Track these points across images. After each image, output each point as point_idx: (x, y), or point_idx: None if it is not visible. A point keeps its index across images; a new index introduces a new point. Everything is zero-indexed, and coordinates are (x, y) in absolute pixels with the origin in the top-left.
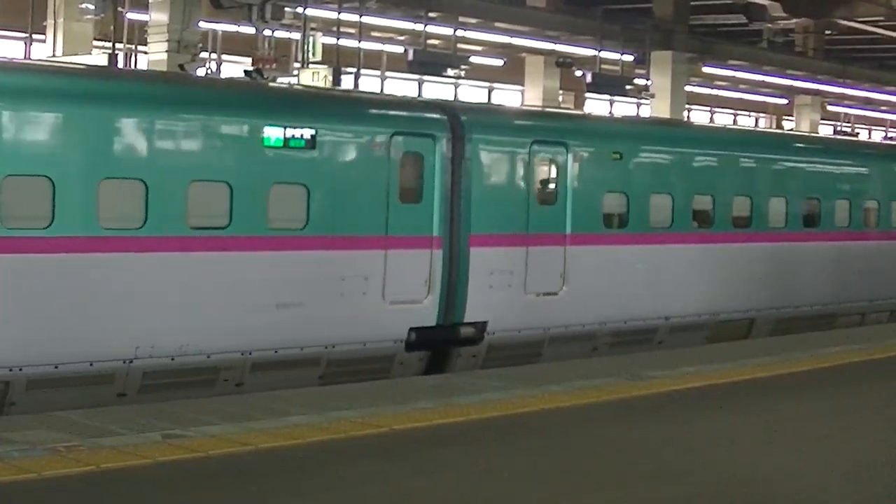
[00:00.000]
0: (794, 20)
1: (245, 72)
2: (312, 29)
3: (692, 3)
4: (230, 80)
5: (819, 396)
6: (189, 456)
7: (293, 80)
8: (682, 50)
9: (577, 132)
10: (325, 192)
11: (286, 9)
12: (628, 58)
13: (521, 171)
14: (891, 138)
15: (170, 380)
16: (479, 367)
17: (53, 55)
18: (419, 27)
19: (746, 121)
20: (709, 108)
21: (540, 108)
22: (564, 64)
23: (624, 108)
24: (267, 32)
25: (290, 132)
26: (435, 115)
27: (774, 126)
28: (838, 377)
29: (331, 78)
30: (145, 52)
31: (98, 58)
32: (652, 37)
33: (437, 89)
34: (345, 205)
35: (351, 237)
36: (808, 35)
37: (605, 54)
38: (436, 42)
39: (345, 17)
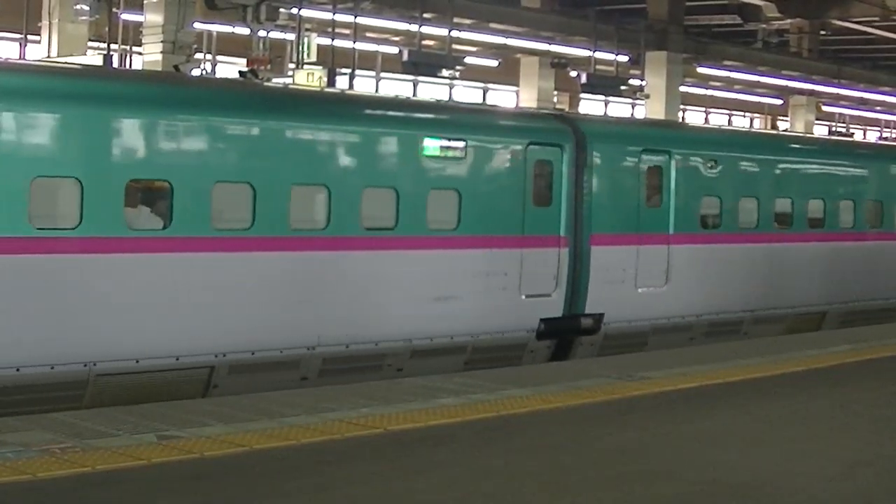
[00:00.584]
0: (789, 20)
1: (240, 72)
2: (307, 30)
3: (686, 3)
4: (394, 98)
5: (814, 396)
6: (183, 457)
7: (288, 81)
8: (676, 50)
9: (678, 141)
10: (474, 196)
11: (281, 10)
12: (623, 58)
13: (632, 176)
14: (885, 139)
15: (344, 365)
16: (595, 354)
17: (48, 56)
18: (414, 28)
19: (741, 121)
20: (703, 109)
21: (647, 119)
22: (559, 65)
23: (618, 108)
24: (262, 33)
25: (445, 143)
26: (562, 126)
27: (769, 126)
28: (834, 377)
29: (325, 79)
30: (140, 53)
31: (93, 58)
32: (646, 37)
33: (431, 90)
34: (489, 208)
35: (495, 237)
36: (802, 35)
37: (599, 55)
38: (431, 43)
39: (339, 17)
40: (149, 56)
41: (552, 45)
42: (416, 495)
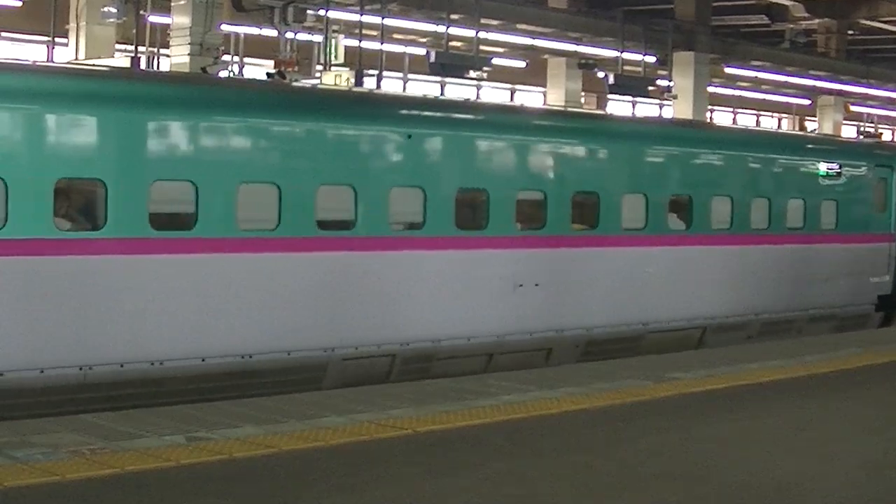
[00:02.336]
0: (817, 20)
1: (267, 74)
2: (334, 31)
3: (714, 3)
4: (794, 135)
5: (843, 398)
6: (213, 458)
7: (315, 83)
8: (704, 51)
9: None
10: (847, 204)
11: (308, 11)
12: (650, 59)
13: None
14: None
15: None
16: None
17: (76, 59)
18: (441, 29)
19: (769, 122)
20: (731, 110)
21: None
22: (586, 65)
23: (646, 109)
24: (289, 35)
25: (831, 167)
26: (891, 152)
27: (797, 127)
28: (863, 378)
29: (353, 80)
30: (167, 56)
31: (120, 61)
32: (674, 38)
33: (458, 91)
34: (854, 213)
35: (857, 235)
36: (830, 35)
37: (626, 55)
38: (458, 44)
39: (367, 19)
40: (176, 58)
41: (579, 46)
42: (445, 497)
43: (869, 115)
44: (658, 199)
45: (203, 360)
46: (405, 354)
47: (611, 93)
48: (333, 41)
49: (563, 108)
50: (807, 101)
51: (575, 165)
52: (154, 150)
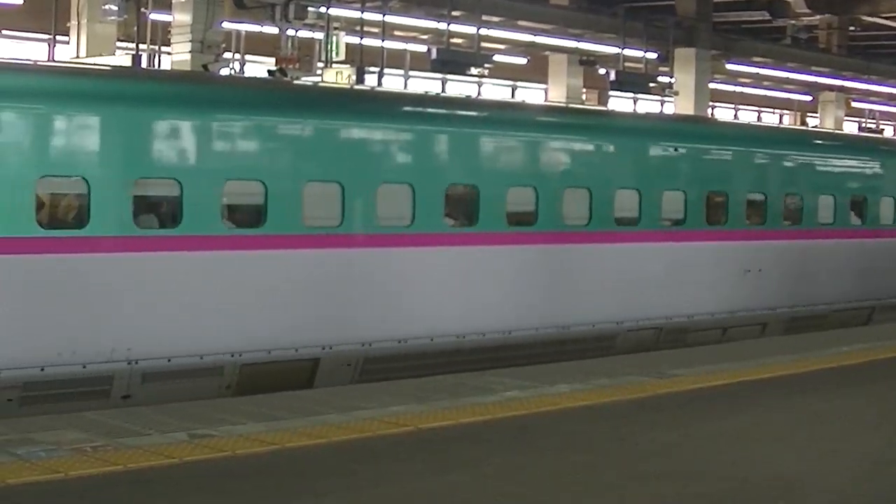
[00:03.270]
0: (818, 16)
1: (269, 71)
2: (335, 28)
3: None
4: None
5: (843, 394)
6: (215, 455)
7: (316, 80)
8: (705, 47)
9: None
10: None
11: (309, 8)
12: (652, 55)
13: None
14: None
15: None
16: None
17: (77, 56)
18: (442, 26)
19: (770, 118)
20: (733, 106)
21: None
22: (588, 62)
23: (647, 106)
24: (290, 32)
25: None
26: None
27: (798, 123)
28: (863, 374)
29: (354, 77)
30: (168, 53)
31: (121, 59)
32: (675, 34)
33: (459, 88)
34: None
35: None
36: (831, 31)
37: (628, 52)
38: (459, 41)
39: (368, 16)
40: (177, 56)
41: (581, 43)
42: (446, 494)
43: (871, 111)
44: (844, 200)
45: (483, 335)
46: (668, 327)
47: (612, 89)
48: (335, 38)
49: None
50: (808, 98)
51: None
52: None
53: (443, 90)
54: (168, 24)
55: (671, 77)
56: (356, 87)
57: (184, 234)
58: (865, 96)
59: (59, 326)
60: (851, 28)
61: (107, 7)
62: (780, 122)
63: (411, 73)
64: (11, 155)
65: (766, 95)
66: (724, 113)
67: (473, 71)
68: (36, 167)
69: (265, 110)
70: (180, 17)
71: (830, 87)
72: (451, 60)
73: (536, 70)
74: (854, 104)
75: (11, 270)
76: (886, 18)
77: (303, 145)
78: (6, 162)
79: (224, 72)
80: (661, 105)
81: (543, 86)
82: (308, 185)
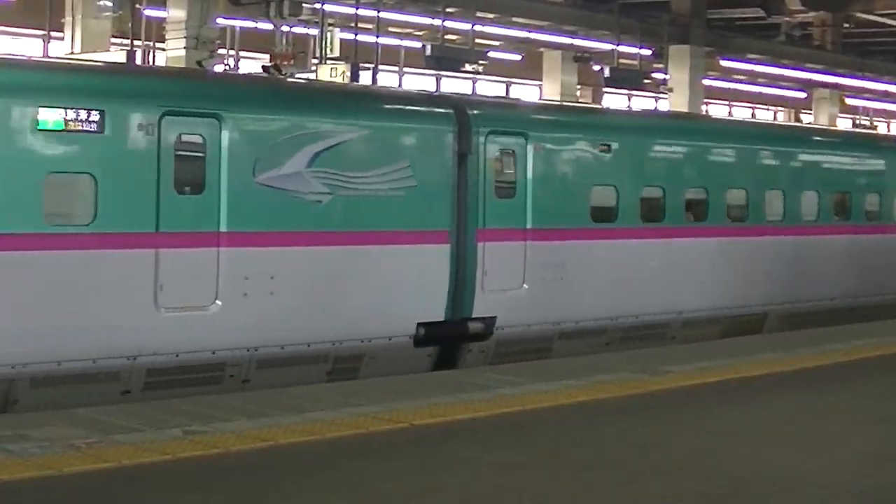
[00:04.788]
0: (812, 13)
1: (263, 67)
2: (330, 25)
3: None
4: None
5: (837, 390)
6: (209, 452)
7: (311, 76)
8: (699, 44)
9: None
10: None
11: (304, 5)
12: (646, 52)
13: None
14: None
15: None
16: None
17: (72, 52)
18: (437, 22)
19: (764, 115)
20: (727, 103)
21: None
22: (582, 59)
23: (641, 102)
24: (285, 28)
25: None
26: None
27: (792, 120)
28: (857, 371)
29: (349, 74)
30: (163, 49)
31: (116, 55)
32: (669, 31)
33: (454, 84)
34: None
35: None
36: (826, 28)
37: (622, 49)
38: (453, 37)
39: (362, 12)
40: (172, 52)
41: (575, 39)
42: (441, 490)
43: (865, 108)
44: None
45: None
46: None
47: (606, 86)
48: (329, 35)
49: None
50: (803, 94)
51: None
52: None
53: (437, 87)
54: (163, 20)
55: (665, 74)
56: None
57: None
58: (860, 93)
59: None
60: (846, 25)
61: (102, 3)
62: (775, 118)
63: (406, 69)
64: None
65: (760, 92)
66: (717, 110)
67: (468, 67)
68: None
69: None
70: (175, 13)
71: (825, 85)
72: (446, 57)
73: (531, 67)
74: (848, 101)
75: None
76: (881, 15)
77: None
78: None
79: (219, 68)
80: (656, 101)
81: (538, 82)
82: None
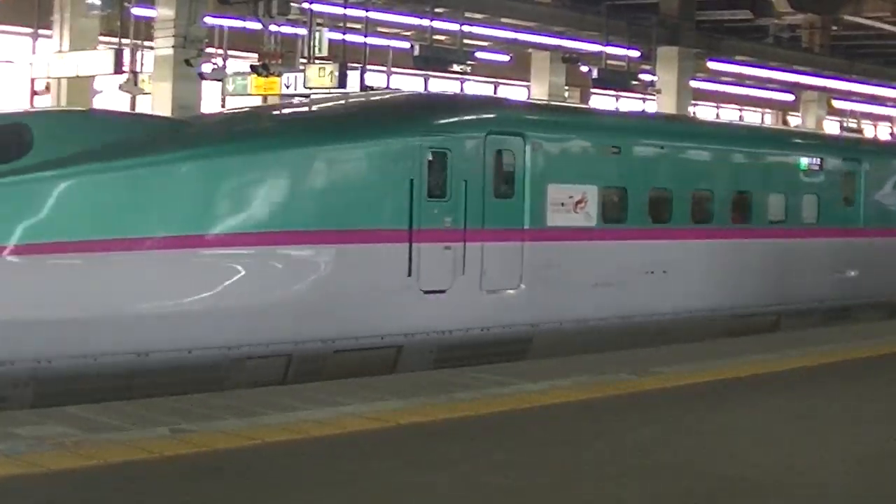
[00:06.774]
0: (801, 16)
1: (251, 67)
2: (318, 24)
3: None
4: None
5: (827, 391)
6: (197, 451)
7: (299, 76)
8: (688, 46)
9: None
10: None
11: (292, 4)
12: (634, 53)
13: None
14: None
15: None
16: None
17: (60, 51)
18: (425, 23)
19: (752, 117)
20: (715, 105)
21: None
22: (570, 60)
23: (630, 103)
24: (273, 28)
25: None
26: None
27: (780, 122)
28: (846, 371)
29: (337, 74)
30: (151, 48)
31: (104, 53)
32: (658, 32)
33: (442, 85)
34: None
35: None
36: (814, 31)
37: (610, 50)
38: (442, 38)
39: (351, 12)
40: (160, 51)
41: (563, 40)
42: (428, 489)
43: (852, 111)
44: None
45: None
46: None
47: (594, 87)
48: (317, 34)
49: None
50: (790, 97)
51: None
52: None
53: (425, 87)
54: (152, 19)
55: (654, 75)
56: None
57: None
58: (847, 96)
59: None
60: (834, 28)
61: (90, 1)
62: (762, 121)
63: (394, 70)
64: None
65: (748, 95)
66: (705, 111)
67: (456, 68)
68: None
69: None
70: (163, 12)
71: (812, 87)
72: (434, 57)
73: (519, 67)
74: (836, 104)
75: None
76: (869, 18)
77: None
78: None
79: (207, 67)
80: (643, 103)
81: (526, 83)
82: None
